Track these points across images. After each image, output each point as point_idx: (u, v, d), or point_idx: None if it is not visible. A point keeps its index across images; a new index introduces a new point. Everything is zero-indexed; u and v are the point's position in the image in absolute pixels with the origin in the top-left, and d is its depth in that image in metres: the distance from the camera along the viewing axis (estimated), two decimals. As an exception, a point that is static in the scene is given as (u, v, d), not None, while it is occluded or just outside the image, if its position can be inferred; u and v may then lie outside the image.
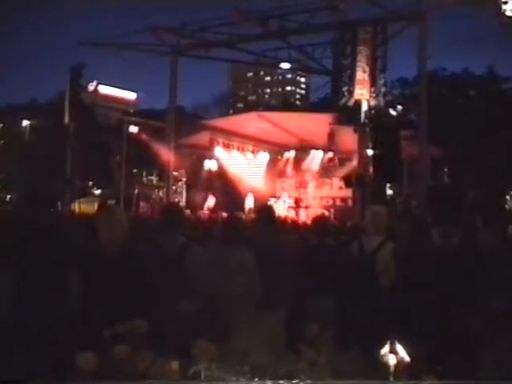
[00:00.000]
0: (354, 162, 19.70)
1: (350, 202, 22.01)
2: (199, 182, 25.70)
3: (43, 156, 33.00)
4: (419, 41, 17.75)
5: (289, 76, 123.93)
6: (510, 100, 35.81)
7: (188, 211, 19.48)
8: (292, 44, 20.35)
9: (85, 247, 4.58)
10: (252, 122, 23.44)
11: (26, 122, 43.39)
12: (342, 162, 24.47)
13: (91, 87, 24.00)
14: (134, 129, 26.62)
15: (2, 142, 46.27)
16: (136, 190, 29.07)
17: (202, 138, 24.16)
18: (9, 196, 38.55)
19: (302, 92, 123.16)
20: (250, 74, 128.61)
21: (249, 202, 24.14)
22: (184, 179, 26.18)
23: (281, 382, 2.54)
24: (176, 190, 25.16)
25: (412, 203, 19.84)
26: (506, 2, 15.44)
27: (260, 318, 4.92)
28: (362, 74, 17.83)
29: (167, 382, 2.65)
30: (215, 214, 20.51)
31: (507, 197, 36.15)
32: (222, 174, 25.19)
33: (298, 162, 26.15)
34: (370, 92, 17.77)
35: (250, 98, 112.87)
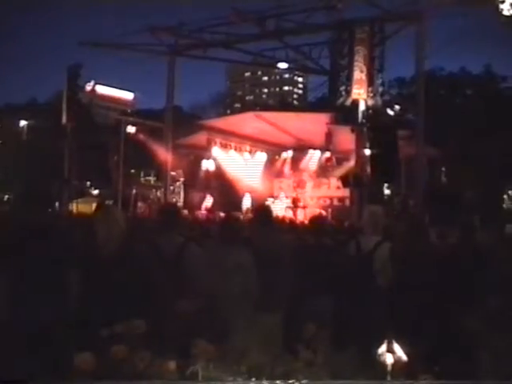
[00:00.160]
0: (352, 162, 19.72)
1: (347, 202, 22.03)
2: (197, 182, 25.70)
3: (41, 156, 32.97)
4: (416, 40, 17.77)
5: (286, 76, 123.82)
6: (508, 99, 35.85)
7: (186, 211, 19.50)
8: (289, 44, 20.34)
9: (82, 247, 4.58)
10: (249, 122, 23.46)
11: (23, 122, 43.33)
12: (340, 161, 24.52)
13: (89, 87, 24.01)
14: (131, 129, 26.59)
15: (-1, 142, 46.22)
16: (134, 191, 29.06)
17: (200, 138, 24.17)
18: (6, 196, 38.49)
19: (300, 92, 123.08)
20: (247, 74, 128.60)
21: (246, 202, 24.17)
22: (182, 179, 26.20)
23: (277, 382, 2.54)
24: (174, 190, 25.18)
25: (409, 203, 19.85)
26: (502, 2, 15.44)
27: (258, 318, 4.92)
28: (359, 74, 17.84)
29: (165, 382, 2.65)
30: (213, 214, 20.52)
31: (505, 196, 36.18)
32: (219, 174, 25.20)
33: (295, 161, 26.20)
34: (368, 92, 17.79)
35: (247, 97, 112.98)
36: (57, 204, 20.43)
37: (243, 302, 4.99)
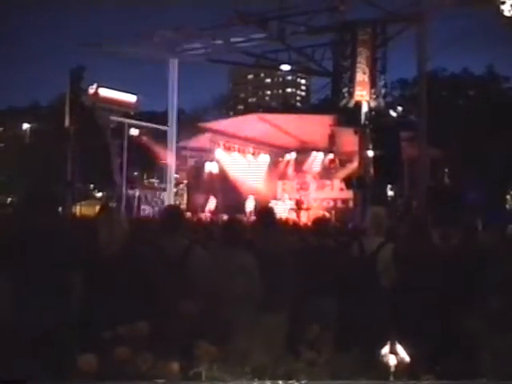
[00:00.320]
0: (355, 164, 19.74)
1: (350, 204, 22.01)
2: (200, 184, 25.71)
3: (44, 159, 33.04)
4: (418, 42, 17.79)
5: (289, 78, 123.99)
6: (510, 100, 35.79)
7: (189, 214, 19.51)
8: (292, 46, 20.37)
9: (86, 250, 4.59)
10: (252, 124, 23.49)
11: (26, 125, 43.44)
12: (343, 163, 24.51)
13: (91, 90, 23.98)
14: (134, 131, 26.61)
15: (2, 144, 46.31)
16: (137, 193, 29.06)
17: (203, 140, 24.19)
18: (9, 199, 38.58)
19: (303, 94, 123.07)
20: (250, 76, 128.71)
21: (250, 204, 24.15)
22: (185, 181, 26.20)
23: (280, 382, 2.55)
24: (177, 192, 25.19)
25: (412, 204, 19.84)
26: (503, 2, 15.46)
27: (261, 319, 4.93)
28: (361, 76, 17.86)
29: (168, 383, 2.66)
30: (216, 217, 20.54)
31: (508, 197, 36.10)
32: (222, 177, 25.20)
33: (298, 163, 26.20)
34: (370, 93, 17.80)
35: (250, 100, 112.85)
36: (60, 206, 20.48)
37: (247, 303, 4.99)
